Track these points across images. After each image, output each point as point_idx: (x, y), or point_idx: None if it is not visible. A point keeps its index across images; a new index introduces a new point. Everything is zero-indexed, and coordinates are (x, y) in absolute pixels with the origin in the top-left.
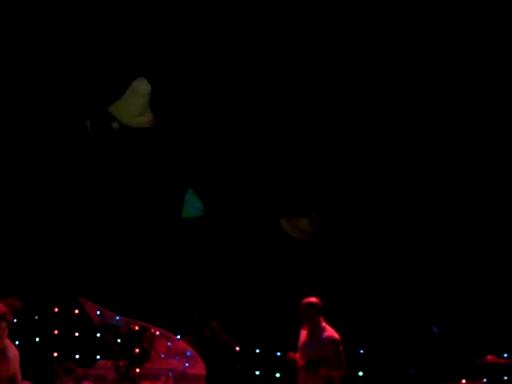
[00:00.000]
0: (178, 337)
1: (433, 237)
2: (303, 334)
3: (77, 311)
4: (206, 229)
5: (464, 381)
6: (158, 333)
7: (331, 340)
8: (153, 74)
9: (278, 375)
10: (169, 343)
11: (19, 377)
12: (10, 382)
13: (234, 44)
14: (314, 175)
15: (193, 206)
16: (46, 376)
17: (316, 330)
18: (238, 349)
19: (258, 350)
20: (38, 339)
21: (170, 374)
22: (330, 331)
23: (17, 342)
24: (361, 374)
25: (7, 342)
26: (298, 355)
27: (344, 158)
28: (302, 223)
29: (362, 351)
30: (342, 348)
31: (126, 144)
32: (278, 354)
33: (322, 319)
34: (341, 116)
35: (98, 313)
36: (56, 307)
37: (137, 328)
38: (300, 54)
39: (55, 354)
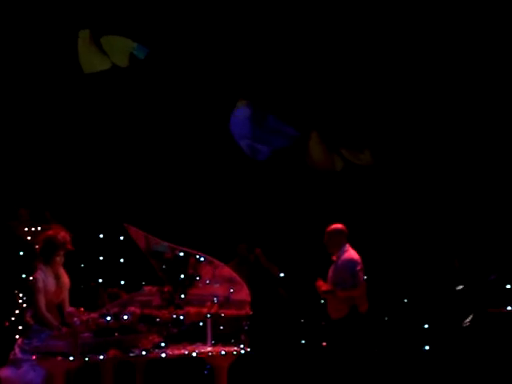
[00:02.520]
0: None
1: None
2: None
3: (122, 237)
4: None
5: (510, 307)
6: (202, 259)
7: (348, 260)
8: None
9: (322, 301)
10: (213, 269)
11: (67, 304)
12: (57, 308)
13: None
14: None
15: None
16: (91, 302)
17: (338, 255)
18: (281, 275)
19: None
20: (83, 265)
21: (215, 300)
22: (349, 253)
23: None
24: (405, 300)
25: (61, 269)
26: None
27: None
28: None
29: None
30: (359, 268)
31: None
32: None
33: (347, 245)
34: None
35: (143, 239)
36: (101, 233)
37: (182, 254)
38: None
39: (100, 280)
